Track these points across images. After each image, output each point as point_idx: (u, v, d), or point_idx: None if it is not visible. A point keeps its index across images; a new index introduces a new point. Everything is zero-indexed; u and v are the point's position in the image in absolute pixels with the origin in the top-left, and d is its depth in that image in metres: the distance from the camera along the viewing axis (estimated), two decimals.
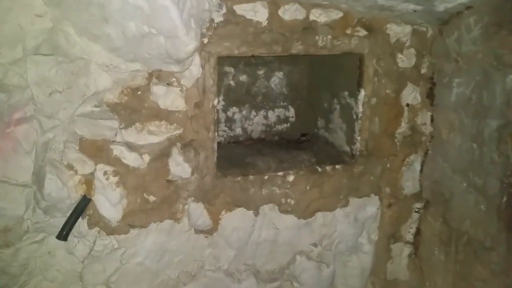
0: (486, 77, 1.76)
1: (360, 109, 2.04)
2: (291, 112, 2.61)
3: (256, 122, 2.55)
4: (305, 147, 2.42)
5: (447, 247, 2.06)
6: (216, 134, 1.85)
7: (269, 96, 2.54)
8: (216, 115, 1.82)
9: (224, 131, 2.50)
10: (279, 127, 2.60)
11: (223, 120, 2.48)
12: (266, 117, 2.57)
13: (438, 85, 2.08)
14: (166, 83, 1.69)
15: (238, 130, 2.53)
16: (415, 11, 1.89)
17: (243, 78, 2.47)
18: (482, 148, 1.80)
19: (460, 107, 1.92)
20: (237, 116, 2.51)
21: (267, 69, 2.50)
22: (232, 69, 2.43)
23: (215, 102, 1.80)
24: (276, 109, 2.58)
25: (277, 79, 2.53)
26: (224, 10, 1.70)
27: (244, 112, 2.52)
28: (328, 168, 2.05)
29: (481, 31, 1.78)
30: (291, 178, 1.99)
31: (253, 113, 2.54)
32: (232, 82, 2.45)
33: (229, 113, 2.49)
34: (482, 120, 1.79)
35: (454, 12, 1.89)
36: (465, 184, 1.91)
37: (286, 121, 2.61)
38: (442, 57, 2.02)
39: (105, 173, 1.68)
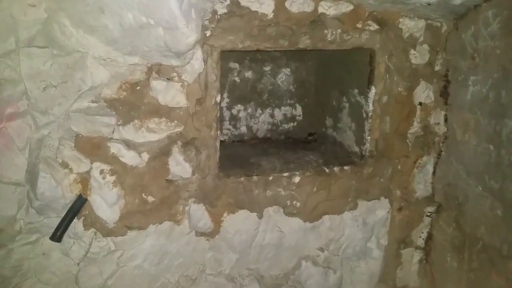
0: (505, 74, 1.68)
1: (371, 107, 1.96)
2: (298, 110, 2.54)
3: (261, 120, 2.49)
4: (312, 147, 2.35)
5: (460, 254, 1.98)
6: (218, 132, 1.79)
7: (276, 94, 2.47)
8: (219, 112, 1.76)
9: (229, 129, 2.44)
10: (286, 126, 2.54)
11: (227, 118, 2.41)
12: (272, 116, 2.50)
13: (453, 83, 1.99)
14: (167, 78, 1.63)
15: (243, 129, 2.47)
16: (429, 4, 1.81)
17: (248, 74, 2.40)
18: (500, 150, 1.72)
19: (476, 106, 1.83)
20: (242, 114, 2.44)
21: (273, 65, 2.43)
22: (237, 65, 2.37)
23: (218, 98, 1.74)
24: (282, 107, 2.51)
25: (284, 76, 2.46)
26: (227, 1, 1.63)
27: (249, 110, 2.45)
28: (336, 169, 1.98)
29: (500, 25, 1.70)
30: (297, 179, 1.92)
31: (259, 111, 2.47)
32: (237, 79, 2.39)
33: (234, 111, 2.42)
34: (500, 120, 1.70)
35: (471, 5, 1.81)
36: (480, 188, 1.83)
37: (293, 119, 2.54)
38: (458, 53, 1.94)
39: (101, 172, 1.63)
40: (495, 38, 1.72)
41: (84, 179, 1.62)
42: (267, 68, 2.42)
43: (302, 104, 2.53)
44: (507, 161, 1.69)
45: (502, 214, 1.73)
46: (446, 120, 2.05)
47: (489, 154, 1.77)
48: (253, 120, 2.47)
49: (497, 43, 1.72)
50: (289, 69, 2.46)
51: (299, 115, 2.54)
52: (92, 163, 1.61)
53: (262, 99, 2.46)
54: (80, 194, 1.62)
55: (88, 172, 1.62)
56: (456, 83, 1.97)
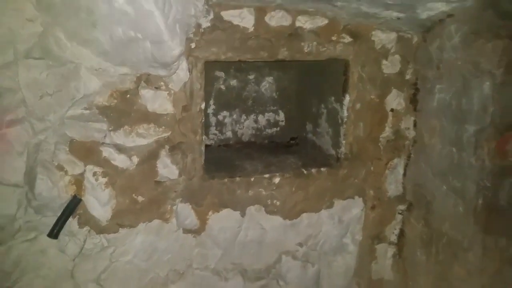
0: (465, 84, 1.78)
1: (345, 113, 2.06)
2: (281, 116, 2.62)
3: (246, 125, 2.57)
4: (293, 151, 2.44)
5: (429, 248, 2.07)
6: (203, 137, 1.86)
7: (259, 101, 2.56)
8: (203, 118, 1.84)
9: (215, 134, 2.51)
10: (269, 131, 2.62)
11: (214, 124, 2.49)
12: (256, 121, 2.58)
13: (422, 91, 2.09)
14: (154, 87, 1.70)
15: (229, 134, 2.54)
16: (398, 18, 1.91)
17: (233, 82, 2.48)
18: (461, 153, 1.82)
19: (441, 113, 1.93)
20: (227, 120, 2.52)
21: (257, 74, 2.51)
22: (222, 74, 2.45)
23: (203, 105, 1.81)
24: (266, 113, 2.59)
25: (267, 84, 2.55)
26: (211, 16, 1.71)
27: (234, 116, 2.53)
28: (313, 170, 2.07)
29: (460, 39, 1.80)
30: (277, 180, 2.00)
31: (244, 117, 2.55)
32: (222, 87, 2.47)
33: (220, 117, 2.50)
34: (461, 125, 1.81)
35: (437, 19, 1.91)
36: (445, 187, 1.93)
37: (276, 125, 2.62)
38: (425, 63, 2.04)
39: (94, 174, 1.70)
40: (456, 50, 1.83)
41: (78, 181, 1.68)
42: (251, 77, 2.51)
43: (284, 110, 2.62)
44: (467, 163, 1.79)
45: (463, 210, 1.83)
46: (415, 125, 2.15)
47: (452, 156, 1.87)
48: (238, 125, 2.55)
49: (458, 55, 1.82)
50: (271, 78, 2.54)
51: (282, 121, 2.63)
52: (85, 166, 1.68)
53: (247, 106, 2.54)
54: (75, 194, 1.68)
55: (82, 174, 1.68)
56: (424, 91, 2.07)
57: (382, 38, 2.03)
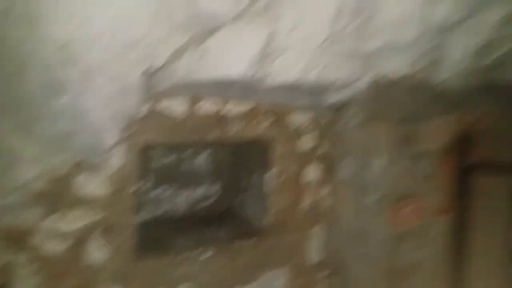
0: (365, 159, 2.30)
1: (270, 186, 2.46)
2: (215, 189, 2.98)
3: (182, 199, 2.88)
4: (225, 223, 2.75)
5: None
6: (135, 219, 2.10)
7: (195, 175, 2.90)
8: (136, 200, 2.09)
9: (151, 209, 2.77)
10: (204, 204, 2.95)
11: (150, 199, 2.75)
12: (191, 195, 2.91)
13: (334, 164, 2.59)
14: (90, 172, 1.95)
15: (165, 208, 2.83)
16: (309, 104, 2.43)
17: (170, 158, 2.82)
18: (366, 220, 2.29)
19: (348, 184, 2.42)
20: (164, 195, 2.81)
21: (193, 150, 2.88)
22: (160, 151, 2.77)
23: (136, 187, 2.08)
24: (201, 187, 2.94)
25: (202, 159, 2.92)
26: (147, 106, 2.04)
27: (170, 191, 2.83)
28: (242, 243, 2.39)
29: (359, 121, 2.34)
30: (207, 255, 2.27)
31: (180, 191, 2.87)
32: (160, 163, 2.78)
33: (157, 192, 2.78)
34: (364, 195, 2.29)
35: (341, 104, 2.45)
36: (356, 254, 2.36)
37: (210, 197, 2.96)
38: (335, 140, 2.55)
39: (25, 261, 1.84)
40: (357, 130, 2.36)
41: (8, 269, 1.82)
42: (187, 152, 2.86)
43: (219, 184, 2.98)
44: (371, 229, 2.26)
45: (373, 274, 2.27)
46: (331, 194, 2.62)
47: (357, 224, 2.33)
48: (174, 199, 2.85)
49: (358, 135, 2.35)
50: (206, 153, 2.92)
51: (216, 193, 2.98)
52: (16, 253, 1.82)
53: (183, 180, 2.86)
54: (3, 283, 1.82)
55: (12, 262, 1.82)
56: (336, 164, 2.58)
57: (299, 119, 2.52)
